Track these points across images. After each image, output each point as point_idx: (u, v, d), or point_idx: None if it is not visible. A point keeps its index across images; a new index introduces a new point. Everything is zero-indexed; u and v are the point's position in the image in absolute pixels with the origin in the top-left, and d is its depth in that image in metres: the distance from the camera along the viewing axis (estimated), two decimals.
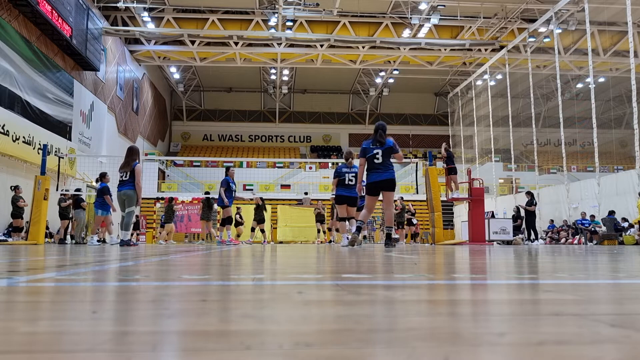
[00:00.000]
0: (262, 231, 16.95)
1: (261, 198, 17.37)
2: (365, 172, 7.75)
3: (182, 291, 1.55)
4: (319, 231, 18.94)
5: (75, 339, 0.84)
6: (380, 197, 7.80)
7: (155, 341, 0.81)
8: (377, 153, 7.49)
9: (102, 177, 12.79)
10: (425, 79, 33.64)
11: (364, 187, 8.03)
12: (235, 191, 13.00)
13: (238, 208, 17.85)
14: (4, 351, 0.72)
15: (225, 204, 12.62)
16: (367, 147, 7.63)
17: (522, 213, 17.37)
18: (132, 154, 9.21)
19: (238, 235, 17.53)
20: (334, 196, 10.35)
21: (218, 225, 24.22)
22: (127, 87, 26.47)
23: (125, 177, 9.08)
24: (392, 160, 7.68)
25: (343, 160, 10.12)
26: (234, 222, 12.62)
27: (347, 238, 9.87)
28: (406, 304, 1.28)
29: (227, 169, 12.83)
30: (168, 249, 7.17)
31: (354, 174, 9.62)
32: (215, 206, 24.59)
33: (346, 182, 9.63)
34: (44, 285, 1.79)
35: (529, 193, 17.27)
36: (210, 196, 16.88)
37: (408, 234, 19.30)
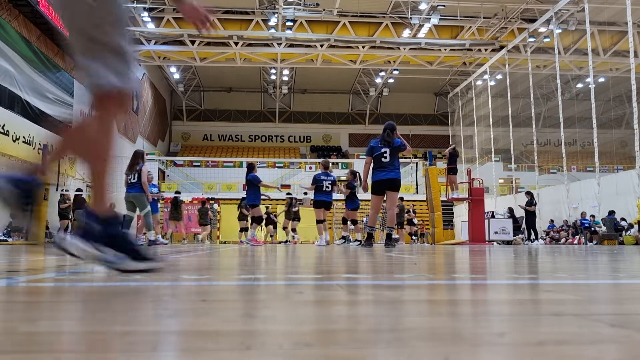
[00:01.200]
0: (242, 230, 16.65)
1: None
2: (370, 171, 7.78)
3: (182, 291, 1.55)
4: (291, 229, 16.88)
5: (75, 339, 0.84)
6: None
7: (155, 341, 0.81)
8: (385, 152, 7.50)
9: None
10: (425, 79, 33.63)
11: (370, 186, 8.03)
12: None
13: (267, 207, 17.98)
14: (4, 351, 0.72)
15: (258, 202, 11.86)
16: (374, 146, 7.64)
17: (521, 213, 17.34)
18: (136, 158, 9.53)
19: (271, 235, 17.92)
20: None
21: (218, 225, 24.28)
22: None
23: (133, 179, 9.41)
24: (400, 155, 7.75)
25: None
26: (257, 221, 12.02)
27: (326, 238, 10.43)
28: (406, 304, 1.28)
29: (252, 165, 11.38)
30: (170, 249, 7.18)
31: (330, 182, 10.36)
32: (216, 206, 24.65)
33: (324, 189, 10.32)
34: (43, 285, 1.79)
35: (528, 193, 17.26)
36: (179, 196, 16.81)
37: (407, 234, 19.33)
